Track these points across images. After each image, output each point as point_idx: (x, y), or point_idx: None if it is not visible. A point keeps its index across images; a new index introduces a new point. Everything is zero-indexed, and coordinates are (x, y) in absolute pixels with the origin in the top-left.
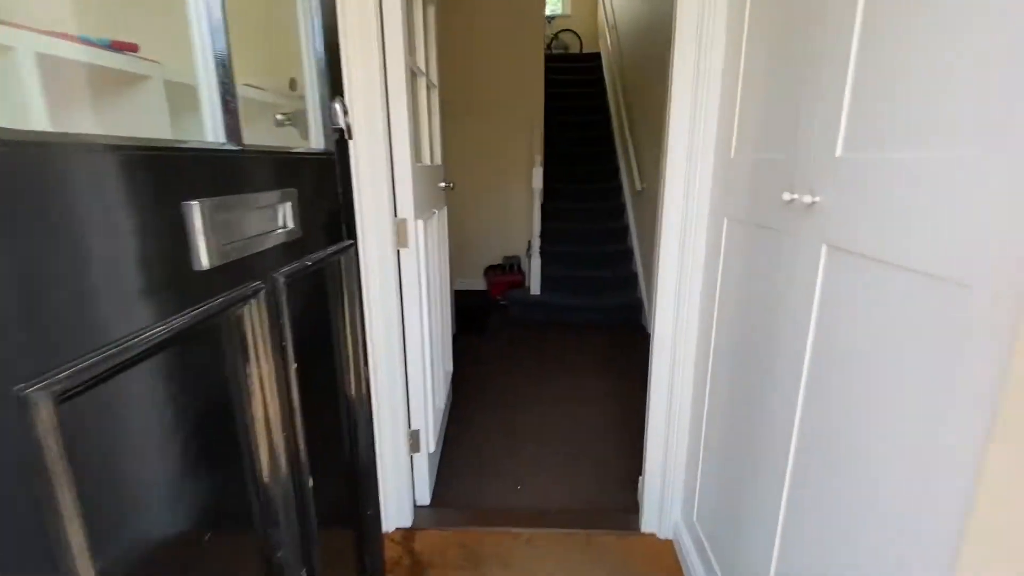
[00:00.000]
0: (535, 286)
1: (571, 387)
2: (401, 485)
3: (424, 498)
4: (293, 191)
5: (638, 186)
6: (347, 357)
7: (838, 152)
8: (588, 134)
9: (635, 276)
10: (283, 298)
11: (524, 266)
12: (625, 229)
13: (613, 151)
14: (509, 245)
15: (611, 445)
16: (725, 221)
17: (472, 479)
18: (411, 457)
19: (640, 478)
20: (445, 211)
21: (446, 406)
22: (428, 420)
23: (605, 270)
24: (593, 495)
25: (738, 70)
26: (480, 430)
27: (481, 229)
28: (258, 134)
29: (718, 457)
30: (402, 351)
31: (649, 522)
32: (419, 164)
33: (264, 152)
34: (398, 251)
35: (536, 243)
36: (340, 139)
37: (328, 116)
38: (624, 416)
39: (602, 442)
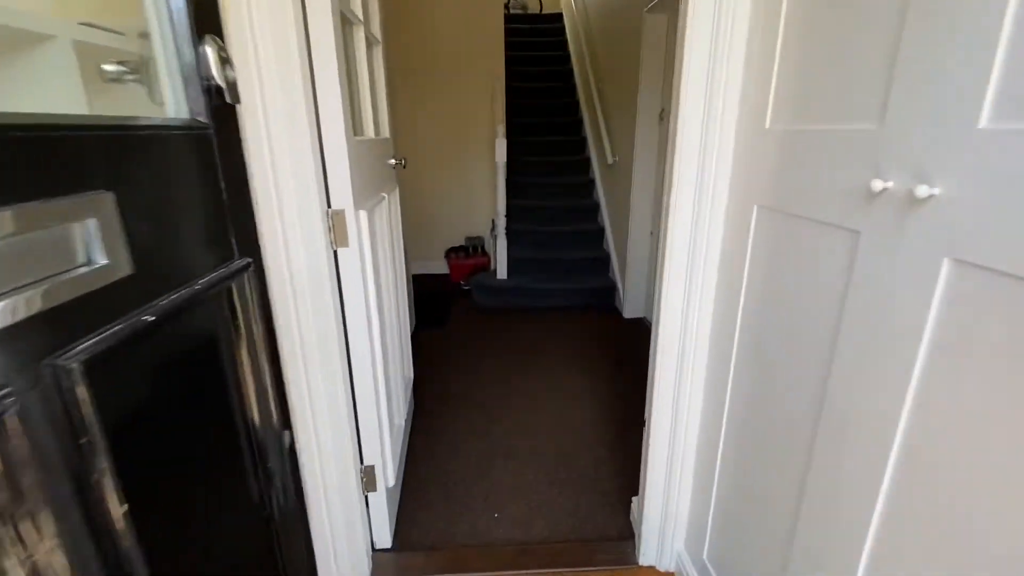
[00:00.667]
0: (501, 270)
1: (547, 384)
2: (354, 530)
3: (384, 540)
4: (106, 197)
5: (609, 159)
6: (250, 408)
7: (982, 122)
8: (553, 102)
9: (607, 256)
10: (82, 395)
11: (489, 247)
12: (595, 207)
13: (580, 121)
14: (472, 225)
15: (597, 455)
16: (755, 210)
17: (441, 508)
18: (365, 496)
19: (635, 499)
20: (396, 193)
21: (407, 420)
22: (384, 450)
23: (575, 250)
24: (581, 519)
25: (779, 2)
26: (447, 445)
27: (441, 207)
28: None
29: (742, 495)
30: (346, 374)
31: (647, 553)
32: (359, 139)
33: (32, 127)
34: (335, 251)
35: (501, 223)
36: (220, 105)
37: (197, 67)
38: (608, 418)
39: (587, 451)
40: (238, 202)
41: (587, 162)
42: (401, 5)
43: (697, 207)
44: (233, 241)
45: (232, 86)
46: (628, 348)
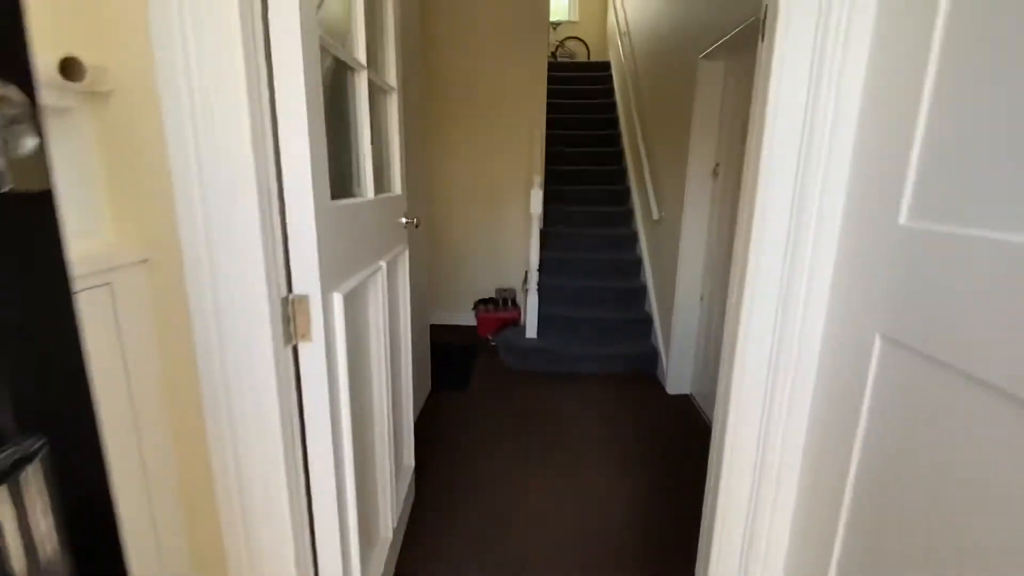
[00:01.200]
0: (531, 328)
1: (574, 476)
2: None
3: None
4: None
5: (655, 214)
6: None
7: None
8: (596, 151)
9: (649, 319)
10: None
11: (521, 300)
12: (637, 263)
13: (624, 172)
14: (504, 276)
15: None
16: (877, 342)
17: None
18: None
19: None
20: (405, 255)
21: (402, 518)
22: None
23: (613, 310)
24: None
25: (930, 31)
26: (445, 564)
27: (472, 257)
28: None
29: None
30: (302, 515)
31: None
32: (347, 202)
33: None
34: (296, 345)
35: (534, 277)
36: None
37: None
38: (648, 525)
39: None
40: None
41: (630, 214)
42: (438, 48)
43: (778, 331)
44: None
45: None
46: (672, 433)
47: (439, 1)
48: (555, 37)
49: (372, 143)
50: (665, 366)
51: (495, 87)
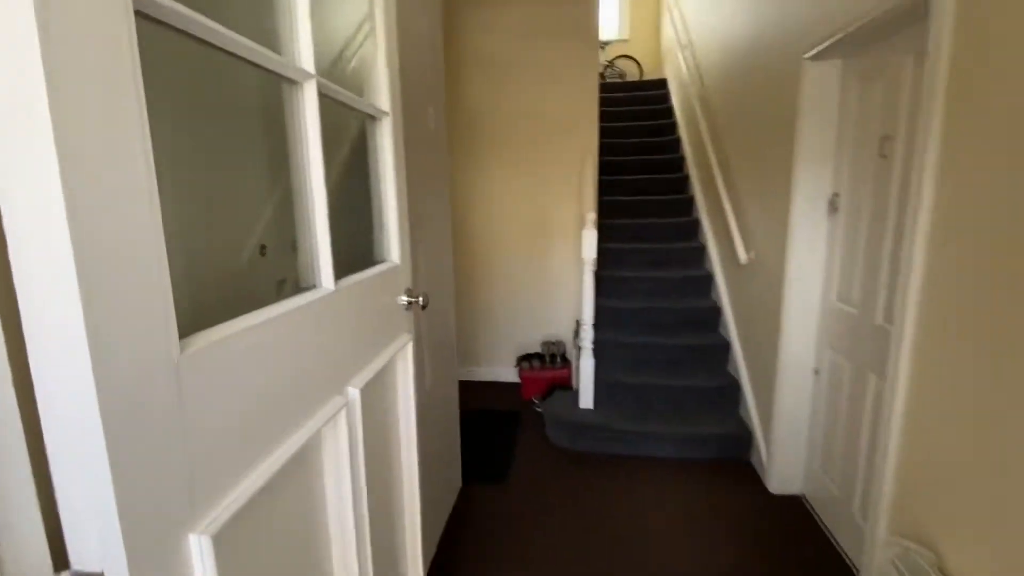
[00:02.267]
0: (586, 397)
1: None
2: None
3: None
4: None
5: (742, 257)
6: None
7: None
8: (655, 178)
9: (734, 386)
10: None
11: (571, 355)
12: (714, 312)
13: (691, 201)
14: (551, 325)
15: None
16: None
17: None
18: None
19: None
20: (408, 348)
21: None
22: None
23: (687, 374)
24: None
25: None
26: None
27: (513, 304)
28: None
29: None
30: None
31: None
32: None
33: None
34: None
35: (588, 334)
36: None
37: None
38: None
39: None
40: None
41: (701, 253)
42: (473, 76)
43: None
44: None
45: None
46: (780, 550)
47: (472, 24)
48: (603, 57)
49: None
50: (764, 454)
51: (540, 114)
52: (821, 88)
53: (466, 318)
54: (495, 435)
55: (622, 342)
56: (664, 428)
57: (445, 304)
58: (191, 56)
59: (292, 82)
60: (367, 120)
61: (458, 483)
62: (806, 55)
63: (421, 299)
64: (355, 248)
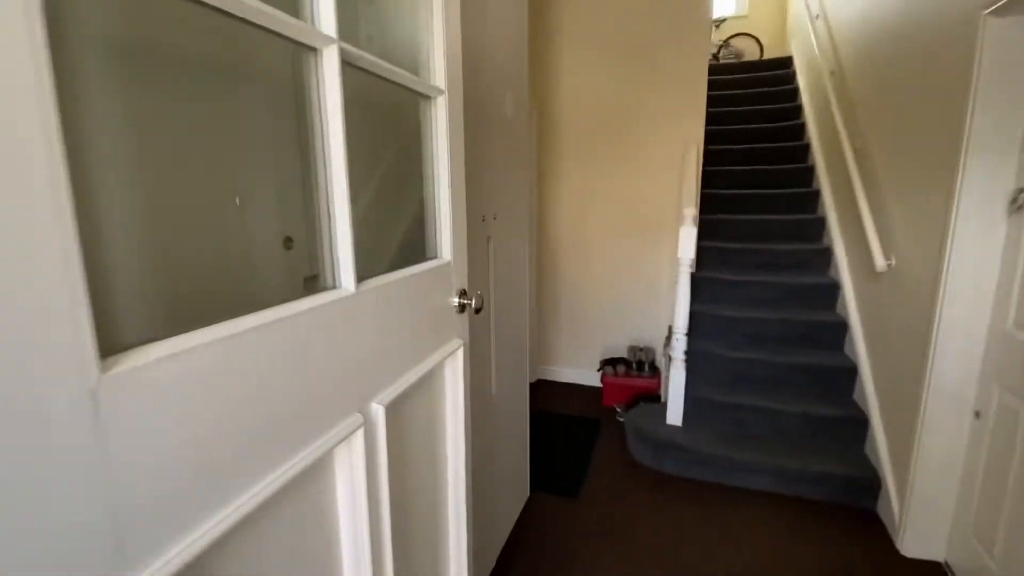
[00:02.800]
0: (674, 412)
1: None
2: None
3: None
4: None
5: (879, 263)
6: None
7: None
8: (773, 169)
9: (862, 420)
10: None
11: (660, 364)
12: (838, 328)
13: (816, 195)
14: (640, 331)
15: None
16: None
17: None
18: None
19: None
20: (458, 354)
21: None
22: None
23: (801, 398)
24: None
25: None
26: None
27: (600, 304)
28: None
29: None
30: None
31: None
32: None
33: None
34: None
35: (680, 343)
36: None
37: None
38: None
39: None
40: None
41: (826, 256)
42: (563, 61)
43: None
44: None
45: None
46: None
47: (566, 4)
48: (718, 36)
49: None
50: (895, 505)
51: (639, 102)
52: (1007, 52)
53: (550, 315)
54: (571, 443)
55: (720, 355)
56: (762, 458)
57: (518, 304)
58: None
59: (309, 48)
60: (421, 101)
61: (525, 492)
62: (987, 9)
63: (473, 301)
64: (406, 243)
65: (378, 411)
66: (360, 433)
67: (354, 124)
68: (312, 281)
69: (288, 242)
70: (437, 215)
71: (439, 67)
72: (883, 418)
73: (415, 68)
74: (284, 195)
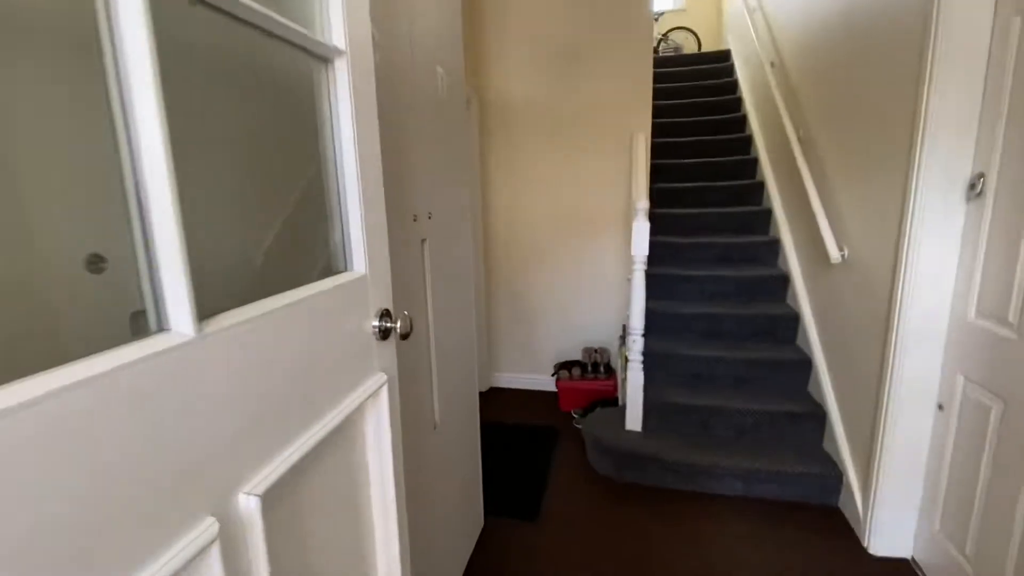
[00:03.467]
0: (633, 417)
1: None
2: None
3: None
4: None
5: (833, 254)
6: None
7: None
8: (718, 161)
9: (819, 413)
10: None
11: (617, 364)
12: (790, 321)
13: (760, 188)
14: (593, 330)
15: None
16: None
17: None
18: None
19: None
20: (381, 393)
21: None
22: None
23: (759, 395)
24: None
25: None
26: None
27: (552, 304)
28: None
29: None
30: None
31: None
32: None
33: None
34: None
35: (637, 343)
36: None
37: None
38: None
39: None
40: None
41: (774, 248)
42: (504, 51)
43: None
44: None
45: None
46: None
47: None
48: (657, 29)
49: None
50: (860, 503)
51: (586, 94)
52: (965, 26)
53: (499, 318)
54: (528, 456)
55: (678, 353)
56: (727, 460)
57: (462, 315)
58: None
59: None
60: (314, 65)
61: (479, 522)
62: None
63: (399, 324)
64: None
65: (249, 505)
66: (214, 548)
67: (211, 93)
68: (138, 318)
69: (96, 262)
70: (344, 214)
71: (337, 21)
72: (841, 412)
73: (308, 23)
74: (93, 192)
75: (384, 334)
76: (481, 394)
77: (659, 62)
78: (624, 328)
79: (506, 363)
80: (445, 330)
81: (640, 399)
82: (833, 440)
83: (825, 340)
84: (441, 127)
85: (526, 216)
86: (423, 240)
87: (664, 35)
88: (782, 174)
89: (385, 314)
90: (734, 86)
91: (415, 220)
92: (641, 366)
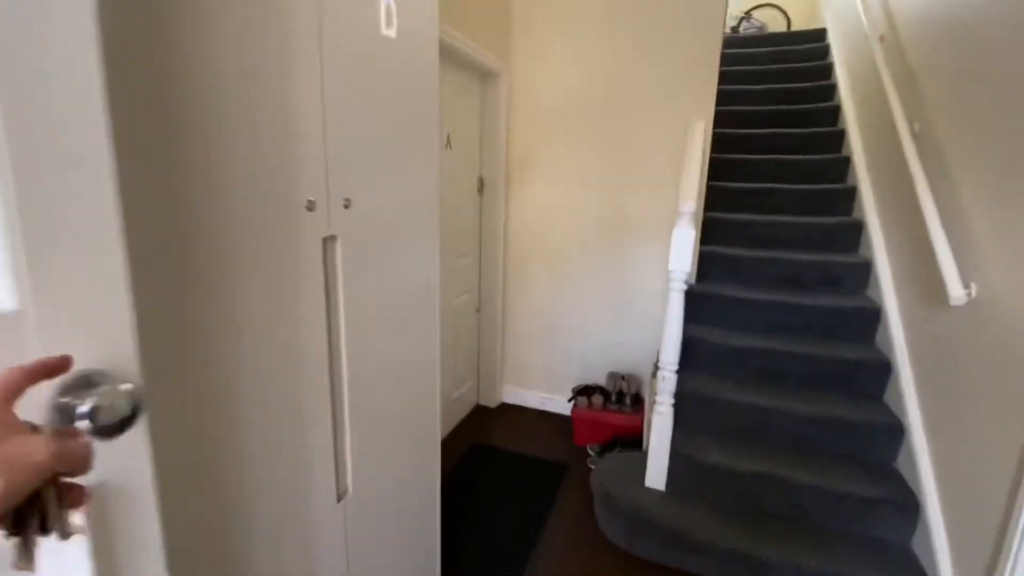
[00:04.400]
0: (655, 472)
1: None
2: None
3: None
4: None
5: (955, 292)
6: None
7: None
8: (796, 158)
9: (910, 499)
10: None
11: (645, 394)
12: (880, 370)
13: (851, 194)
14: (624, 354)
15: None
16: None
17: None
18: None
19: None
20: None
21: None
22: None
23: (826, 465)
24: None
25: None
26: None
27: (576, 316)
28: None
29: None
30: None
31: None
32: None
33: None
34: None
35: (668, 382)
36: None
37: None
38: None
39: None
40: None
41: (864, 272)
42: (532, 17)
43: None
44: None
45: None
46: None
47: None
48: (740, 8)
49: None
50: None
51: (634, 75)
52: None
53: (517, 326)
54: (523, 498)
55: (721, 398)
56: (777, 551)
57: (409, 341)
58: None
59: None
60: None
61: None
62: None
63: (86, 421)
64: None
65: None
66: None
67: None
68: None
69: None
70: None
71: None
72: (945, 506)
73: None
74: None
75: (68, 419)
76: (489, 410)
77: (736, 42)
78: (656, 367)
79: (520, 377)
80: (373, 359)
81: (666, 451)
82: (927, 542)
83: (928, 403)
84: (381, 80)
85: (555, 215)
86: (326, 239)
87: (747, 13)
88: (884, 179)
89: (82, 384)
90: (827, 70)
91: (310, 208)
92: (671, 410)
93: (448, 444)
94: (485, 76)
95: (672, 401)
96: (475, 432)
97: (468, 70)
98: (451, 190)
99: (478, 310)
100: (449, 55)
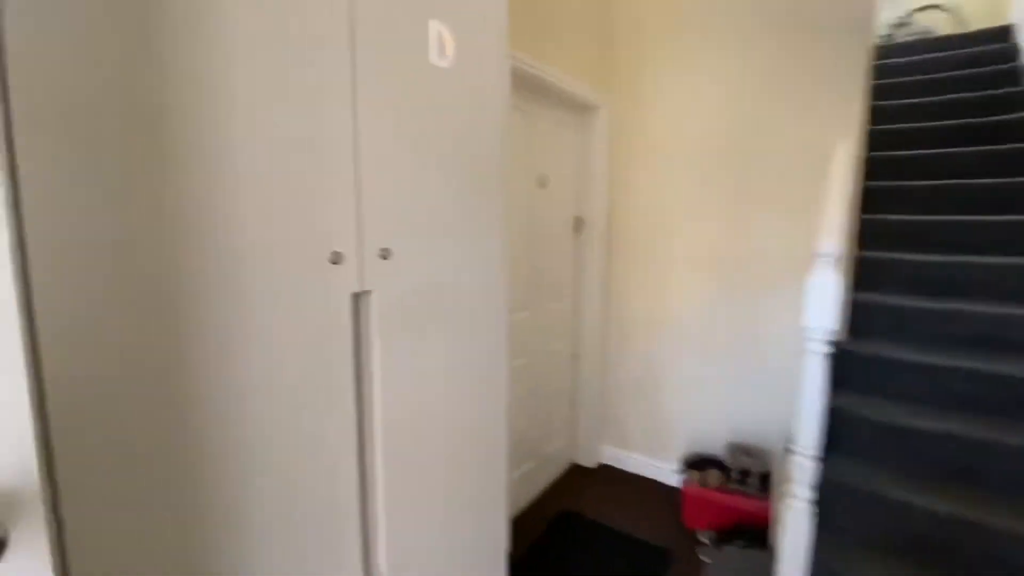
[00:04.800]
0: None
1: None
2: None
3: None
4: None
5: None
6: None
7: None
8: (981, 183)
9: None
10: None
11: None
12: None
13: None
14: (746, 422)
15: None
16: None
17: None
18: None
19: None
20: None
21: None
22: None
23: None
24: None
25: None
26: None
27: (688, 371)
28: None
29: None
30: None
31: None
32: None
33: None
34: None
35: (805, 471)
36: None
37: None
38: None
39: None
40: None
41: None
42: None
43: None
44: None
45: None
46: None
47: None
48: (897, 13)
49: None
50: None
51: (767, 86)
52: None
53: (619, 379)
54: None
55: (885, 496)
56: None
57: (462, 410)
58: None
59: None
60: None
61: None
62: None
63: None
64: None
65: None
66: None
67: None
68: None
69: None
70: None
71: None
72: None
73: None
74: None
75: None
76: (586, 470)
77: (894, 51)
78: (787, 450)
79: (620, 436)
80: (416, 430)
81: (802, 562)
82: None
83: None
84: (432, 114)
85: (667, 254)
86: (358, 294)
87: (909, 14)
88: None
89: None
90: (1015, 76)
91: (335, 262)
92: (809, 507)
93: (537, 506)
94: (584, 110)
95: (811, 495)
96: (567, 494)
97: (565, 106)
98: (545, 230)
99: (575, 356)
100: (538, 89)
